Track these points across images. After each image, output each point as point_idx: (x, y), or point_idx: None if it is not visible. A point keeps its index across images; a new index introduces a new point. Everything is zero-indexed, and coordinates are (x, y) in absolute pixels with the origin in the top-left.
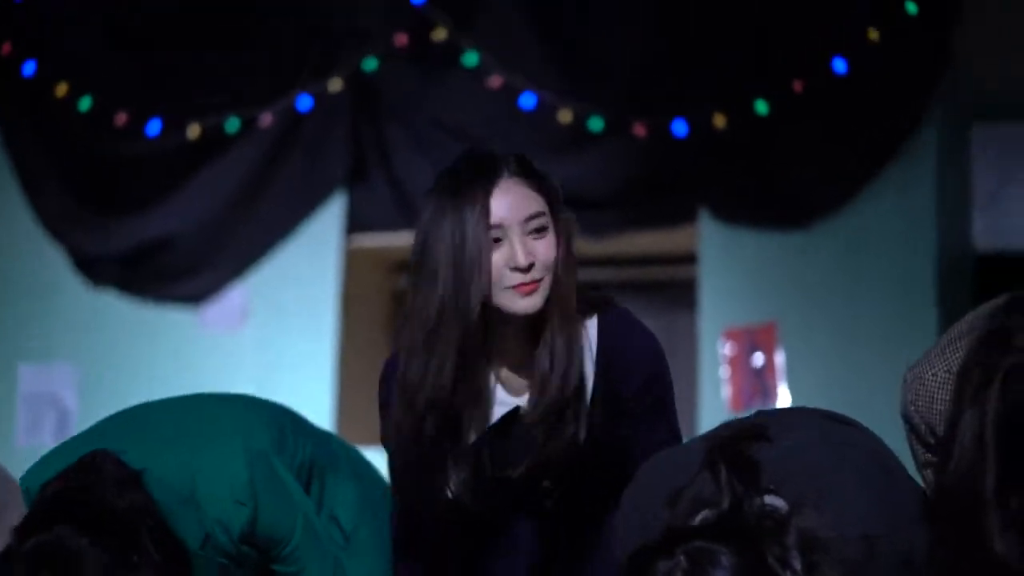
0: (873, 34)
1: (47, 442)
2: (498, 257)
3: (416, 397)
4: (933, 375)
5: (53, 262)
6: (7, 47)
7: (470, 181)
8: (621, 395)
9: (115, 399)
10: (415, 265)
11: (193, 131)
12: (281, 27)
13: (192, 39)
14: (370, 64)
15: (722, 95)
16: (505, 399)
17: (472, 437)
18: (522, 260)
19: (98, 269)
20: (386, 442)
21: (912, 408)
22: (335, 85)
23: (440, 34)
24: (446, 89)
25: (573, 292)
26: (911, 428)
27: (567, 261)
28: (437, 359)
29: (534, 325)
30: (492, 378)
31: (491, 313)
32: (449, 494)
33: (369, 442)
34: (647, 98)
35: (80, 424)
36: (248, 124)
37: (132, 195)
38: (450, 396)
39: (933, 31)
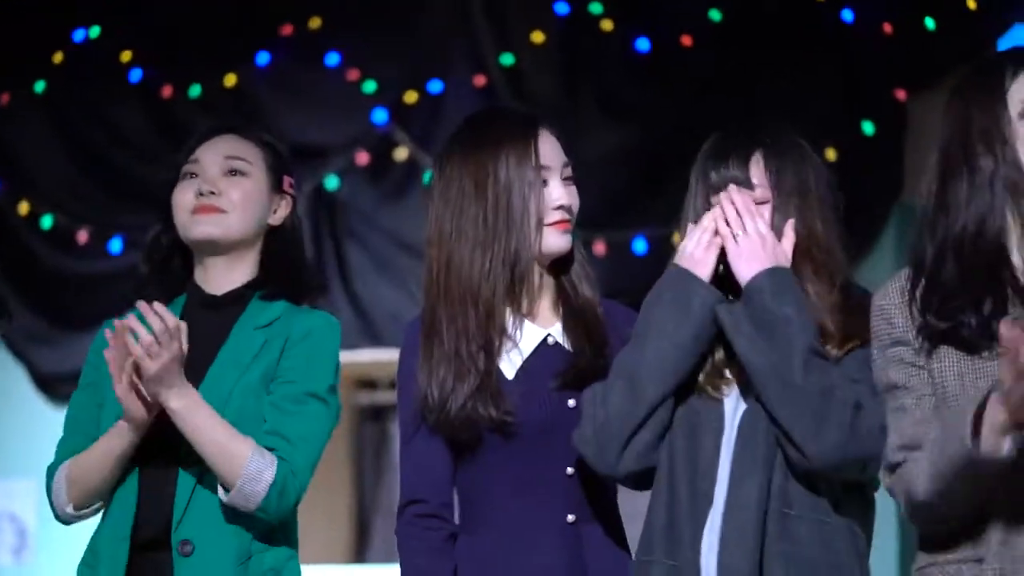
0: (831, 153)
1: (5, 562)
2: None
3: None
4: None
5: (13, 378)
6: None
7: (511, 126)
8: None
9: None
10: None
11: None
12: None
13: (153, 156)
14: (331, 182)
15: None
16: (533, 330)
17: (509, 367)
18: (566, 199)
19: (58, 386)
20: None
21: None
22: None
23: (401, 153)
24: (407, 208)
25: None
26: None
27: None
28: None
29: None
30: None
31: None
32: (501, 415)
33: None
34: (608, 216)
35: (39, 542)
36: None
37: (93, 312)
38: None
39: (888, 152)
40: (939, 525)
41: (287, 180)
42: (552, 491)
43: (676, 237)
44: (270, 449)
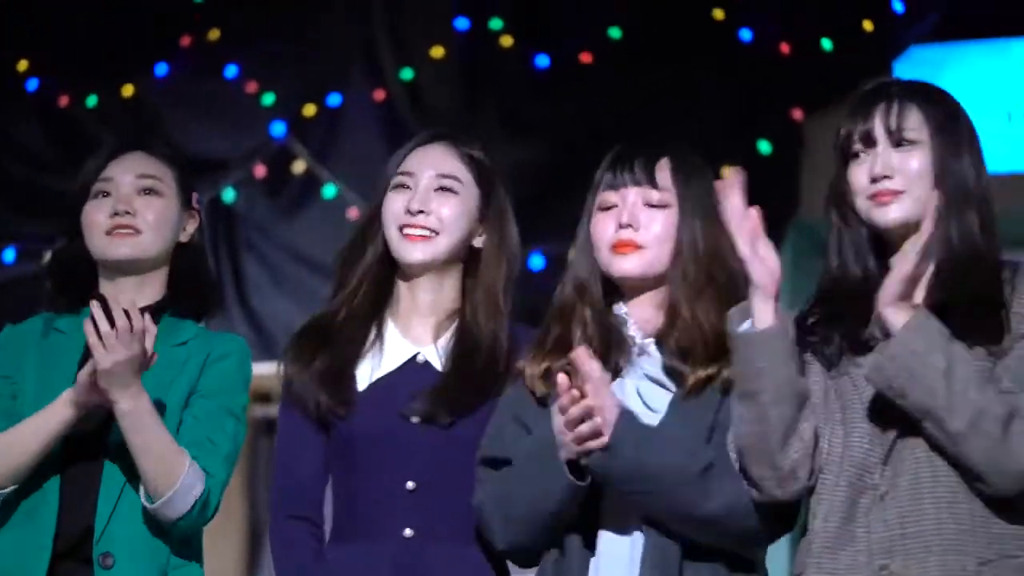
0: (728, 172)
1: None
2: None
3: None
4: None
5: None
6: None
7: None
8: None
9: None
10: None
11: (48, 259)
12: None
13: (49, 166)
14: (228, 194)
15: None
16: (404, 346)
17: (365, 376)
18: (415, 204)
19: None
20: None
21: None
22: None
23: (299, 166)
24: (304, 221)
25: (499, 271)
26: None
27: (493, 243)
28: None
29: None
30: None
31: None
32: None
33: None
34: None
35: None
36: None
37: None
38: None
39: (784, 171)
40: None
41: (194, 196)
42: (389, 504)
43: (572, 253)
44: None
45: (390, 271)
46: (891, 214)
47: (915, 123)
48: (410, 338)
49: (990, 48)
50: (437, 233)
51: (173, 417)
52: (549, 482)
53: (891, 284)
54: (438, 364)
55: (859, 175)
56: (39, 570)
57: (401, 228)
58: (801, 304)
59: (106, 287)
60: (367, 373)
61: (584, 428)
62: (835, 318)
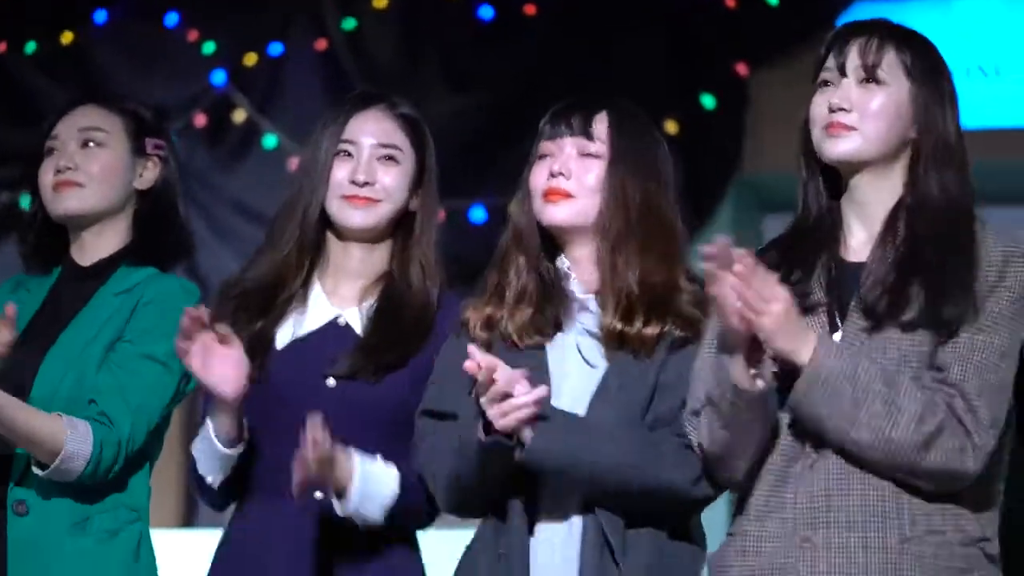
0: (672, 126)
1: None
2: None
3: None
4: None
5: None
6: None
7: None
8: None
9: None
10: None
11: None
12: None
13: None
14: None
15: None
16: (326, 308)
17: (285, 336)
18: (360, 175)
19: None
20: None
21: None
22: None
23: (240, 116)
24: (245, 172)
25: (431, 233)
26: None
27: (427, 207)
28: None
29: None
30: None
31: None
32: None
33: None
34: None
35: None
36: None
37: None
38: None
39: (727, 126)
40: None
41: (150, 143)
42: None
43: (513, 206)
44: (98, 415)
45: (322, 233)
46: (839, 147)
47: (889, 64)
48: (335, 300)
49: (933, 4)
50: (380, 201)
51: (90, 367)
52: (469, 447)
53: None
54: (358, 327)
55: (819, 103)
56: None
57: (344, 197)
58: None
59: (73, 245)
60: (288, 333)
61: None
62: (785, 262)
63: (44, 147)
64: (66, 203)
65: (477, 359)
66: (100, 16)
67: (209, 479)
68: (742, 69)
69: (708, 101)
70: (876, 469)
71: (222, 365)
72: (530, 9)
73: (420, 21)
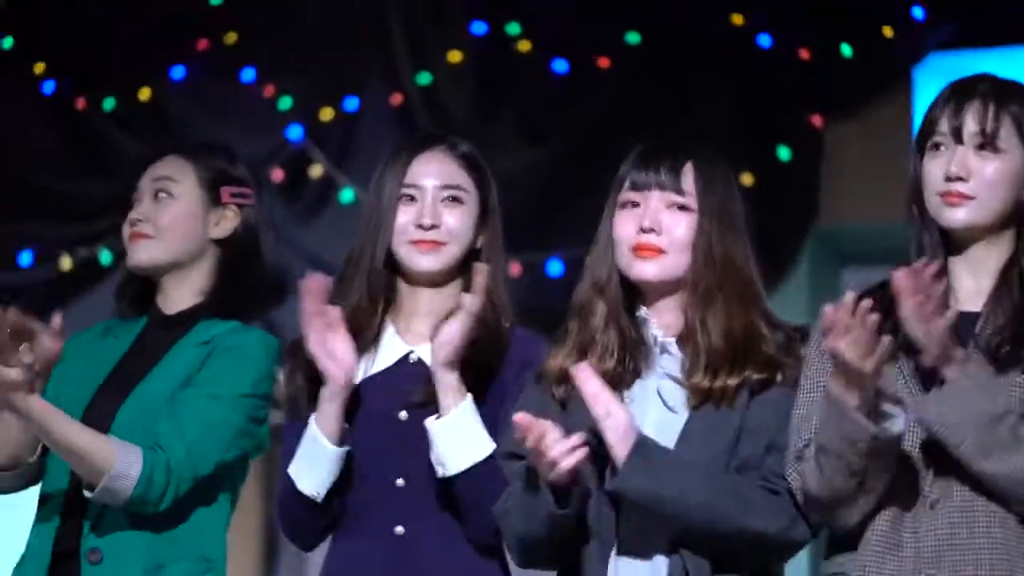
0: (747, 179)
1: None
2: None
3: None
4: None
5: None
6: None
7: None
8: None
9: None
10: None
11: (65, 263)
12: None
13: (65, 170)
14: None
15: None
16: (399, 345)
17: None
18: (427, 219)
19: None
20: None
21: None
22: None
23: (316, 171)
24: (321, 226)
25: (499, 267)
26: None
27: (493, 244)
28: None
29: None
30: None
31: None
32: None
33: None
34: (522, 237)
35: None
36: (121, 255)
37: None
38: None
39: (804, 178)
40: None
41: (227, 191)
42: (380, 502)
43: (592, 256)
44: (152, 445)
45: (391, 278)
46: (957, 215)
47: (1006, 131)
48: (407, 338)
49: (1009, 55)
50: (446, 243)
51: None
52: (536, 506)
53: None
54: (430, 362)
55: (934, 169)
56: (42, 567)
57: (411, 242)
58: (815, 318)
59: (158, 292)
60: (360, 374)
61: (550, 454)
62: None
63: (131, 199)
64: (138, 255)
65: (527, 422)
66: (178, 72)
67: (313, 493)
68: (817, 120)
69: (784, 153)
70: (1004, 499)
71: (334, 347)
72: (604, 62)
73: (494, 75)
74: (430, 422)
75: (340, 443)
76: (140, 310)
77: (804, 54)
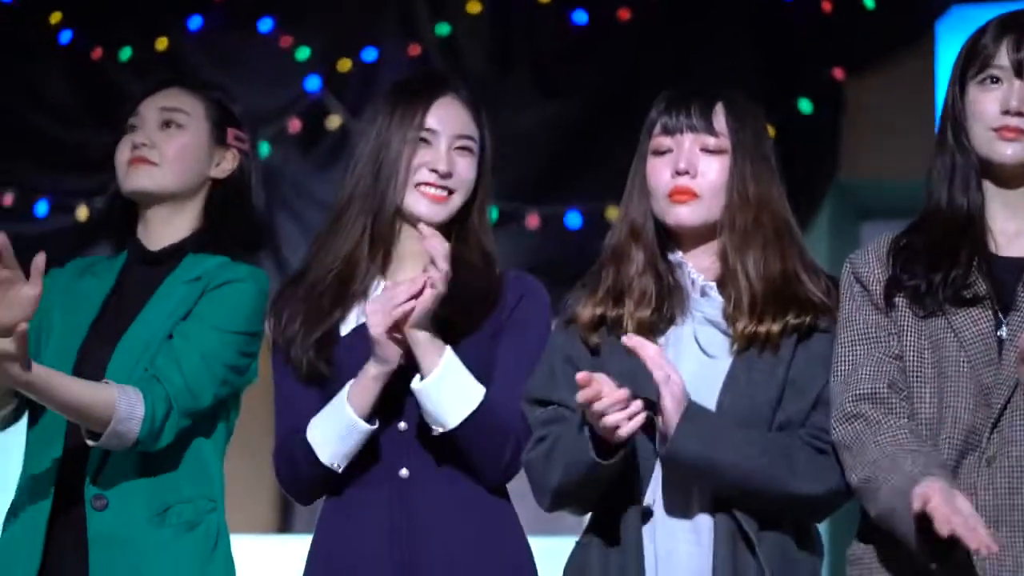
0: (769, 131)
1: None
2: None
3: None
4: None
5: None
6: None
7: (417, 86)
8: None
9: None
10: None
11: (81, 213)
12: None
13: (82, 119)
14: (263, 149)
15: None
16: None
17: (349, 323)
18: (442, 166)
19: None
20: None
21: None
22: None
23: (334, 121)
24: (339, 177)
25: (487, 215)
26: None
27: (484, 191)
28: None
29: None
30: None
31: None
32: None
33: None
34: (541, 189)
35: None
36: None
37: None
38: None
39: (825, 131)
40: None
41: (232, 133)
42: (383, 447)
43: (611, 211)
44: (148, 377)
45: (392, 218)
46: (1013, 151)
47: None
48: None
49: None
50: (455, 192)
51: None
52: (580, 453)
53: None
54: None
55: (988, 103)
56: (42, 514)
57: (420, 184)
58: (837, 269)
59: (140, 227)
60: (353, 320)
61: (608, 420)
62: (934, 254)
63: (126, 124)
64: (139, 180)
65: (586, 379)
66: (195, 22)
67: (334, 464)
68: (839, 73)
69: (805, 106)
70: None
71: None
72: (624, 14)
73: (513, 26)
74: (416, 384)
75: (371, 419)
76: (119, 244)
77: (826, 6)
